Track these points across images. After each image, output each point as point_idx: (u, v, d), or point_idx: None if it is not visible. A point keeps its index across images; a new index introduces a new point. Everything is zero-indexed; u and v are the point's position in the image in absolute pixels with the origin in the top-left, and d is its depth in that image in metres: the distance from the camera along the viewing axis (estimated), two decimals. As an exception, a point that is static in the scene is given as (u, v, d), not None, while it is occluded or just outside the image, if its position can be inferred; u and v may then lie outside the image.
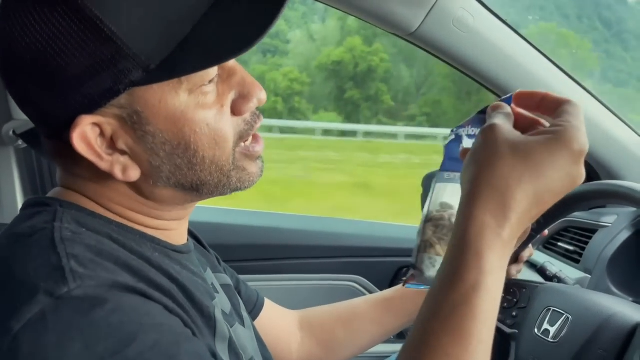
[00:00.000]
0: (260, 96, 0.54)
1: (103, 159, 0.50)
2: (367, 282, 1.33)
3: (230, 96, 0.53)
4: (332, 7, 1.06)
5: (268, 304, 0.88)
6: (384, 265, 1.34)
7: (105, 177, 0.52)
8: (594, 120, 1.16)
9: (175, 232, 0.60)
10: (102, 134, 0.49)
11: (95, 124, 0.48)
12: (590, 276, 1.01)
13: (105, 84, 0.46)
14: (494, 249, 0.43)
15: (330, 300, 1.30)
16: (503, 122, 0.47)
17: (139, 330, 0.42)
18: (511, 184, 0.43)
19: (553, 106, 0.48)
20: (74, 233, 0.48)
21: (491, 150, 0.45)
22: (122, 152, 0.50)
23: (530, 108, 0.50)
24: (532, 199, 0.43)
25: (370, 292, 1.33)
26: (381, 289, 1.33)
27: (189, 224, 0.64)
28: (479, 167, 0.45)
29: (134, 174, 0.51)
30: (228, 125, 0.53)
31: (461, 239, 0.44)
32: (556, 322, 0.72)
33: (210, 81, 0.51)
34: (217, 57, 0.48)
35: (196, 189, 0.54)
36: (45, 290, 0.42)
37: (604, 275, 0.97)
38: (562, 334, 0.70)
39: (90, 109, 0.48)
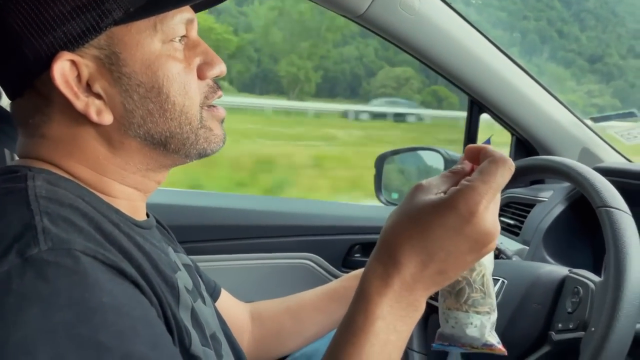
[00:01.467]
0: (221, 67, 0.60)
1: (79, 98, 0.53)
2: (321, 259, 1.36)
3: (196, 61, 0.58)
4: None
5: (224, 293, 0.89)
6: (337, 243, 1.38)
7: (74, 132, 0.54)
8: (531, 100, 1.23)
9: (137, 206, 0.61)
10: (78, 76, 0.52)
11: (74, 64, 0.52)
12: (528, 247, 1.07)
13: (89, 21, 0.51)
14: (384, 296, 0.48)
15: (285, 278, 1.34)
16: (429, 180, 0.51)
17: (99, 308, 0.42)
18: (400, 241, 0.48)
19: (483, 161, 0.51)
20: (49, 191, 0.49)
21: (400, 207, 0.50)
22: (97, 96, 0.53)
23: (474, 161, 0.53)
24: (424, 256, 0.47)
25: (325, 270, 1.37)
26: (335, 266, 1.38)
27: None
28: (389, 220, 0.51)
29: (108, 117, 0.54)
30: (195, 82, 0.58)
31: (360, 284, 0.50)
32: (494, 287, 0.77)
33: (180, 40, 0.56)
34: None
35: (164, 143, 0.57)
36: (17, 250, 0.43)
37: (540, 246, 1.04)
38: (499, 297, 0.76)
39: (71, 46, 0.52)
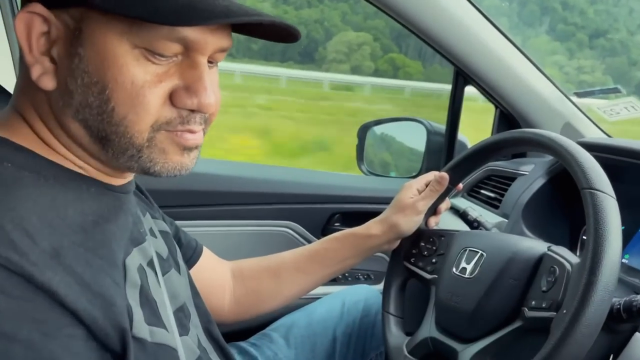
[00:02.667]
0: (203, 101, 0.53)
1: (31, 52, 0.50)
2: (301, 227, 1.36)
3: (175, 81, 0.52)
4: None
5: (205, 252, 0.89)
6: (316, 212, 1.37)
7: (29, 85, 0.52)
8: (518, 73, 1.22)
9: (110, 171, 0.58)
10: (47, 34, 0.50)
11: (46, 21, 0.50)
12: (507, 220, 1.08)
13: None
14: None
15: (264, 246, 1.33)
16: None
17: None
18: None
19: None
20: None
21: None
22: (52, 60, 0.51)
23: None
24: None
25: (304, 238, 1.37)
26: (314, 235, 1.37)
27: None
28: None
29: (48, 82, 0.51)
30: (154, 100, 0.51)
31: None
32: (472, 260, 0.77)
33: (166, 57, 0.51)
34: (147, 10, 0.47)
35: (101, 142, 0.53)
36: None
37: (519, 219, 1.05)
38: (477, 270, 0.76)
39: (51, 3, 0.50)
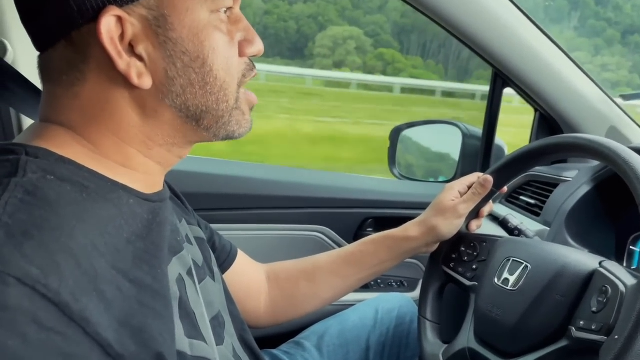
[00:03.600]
0: (260, 46, 0.58)
1: (122, 58, 0.49)
2: (333, 232, 1.34)
3: (238, 36, 0.56)
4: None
5: (240, 255, 0.88)
6: (349, 216, 1.35)
7: (109, 95, 0.51)
8: (559, 74, 1.17)
9: (155, 181, 0.58)
10: (122, 35, 0.49)
11: (120, 21, 0.49)
12: (549, 229, 1.04)
13: None
14: None
15: (296, 250, 1.31)
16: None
17: None
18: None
19: None
20: (25, 196, 0.44)
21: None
22: (139, 58, 0.50)
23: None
24: None
25: (335, 243, 1.35)
26: (346, 240, 1.35)
27: None
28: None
29: (148, 81, 0.51)
30: (236, 57, 0.56)
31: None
32: (515, 271, 0.74)
33: (225, 12, 0.54)
34: None
35: (197, 118, 0.55)
36: None
37: (562, 228, 1.00)
38: (521, 282, 0.72)
39: (121, 2, 0.48)
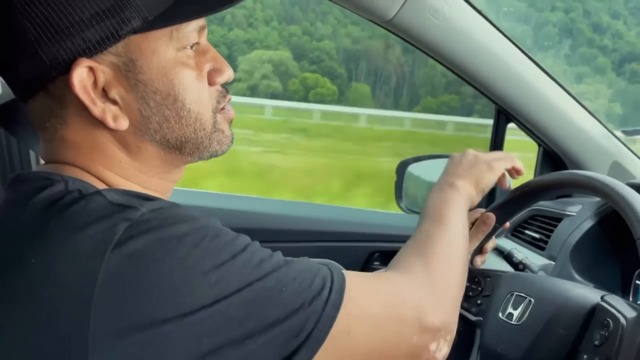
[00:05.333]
0: (230, 73, 0.60)
1: (96, 105, 0.52)
2: (339, 266, 1.34)
3: (206, 67, 0.58)
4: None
5: None
6: (356, 250, 1.36)
7: (92, 136, 0.54)
8: (561, 110, 1.19)
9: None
10: (95, 82, 0.52)
11: (91, 70, 0.51)
12: (554, 263, 1.04)
13: (108, 29, 0.51)
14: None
15: (302, 284, 1.31)
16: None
17: None
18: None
19: None
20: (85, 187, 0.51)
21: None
22: (113, 102, 0.53)
23: None
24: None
25: (342, 277, 1.35)
26: (353, 274, 1.35)
27: None
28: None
29: (124, 123, 0.54)
30: (206, 89, 0.58)
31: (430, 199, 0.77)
32: (519, 306, 0.75)
33: (192, 47, 0.56)
34: (208, 8, 0.54)
35: (179, 147, 0.57)
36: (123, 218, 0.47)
37: (567, 262, 1.01)
38: (524, 317, 0.73)
39: (90, 53, 0.51)
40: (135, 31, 0.52)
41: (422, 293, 0.59)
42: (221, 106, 0.60)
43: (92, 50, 0.51)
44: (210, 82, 0.59)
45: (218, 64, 0.59)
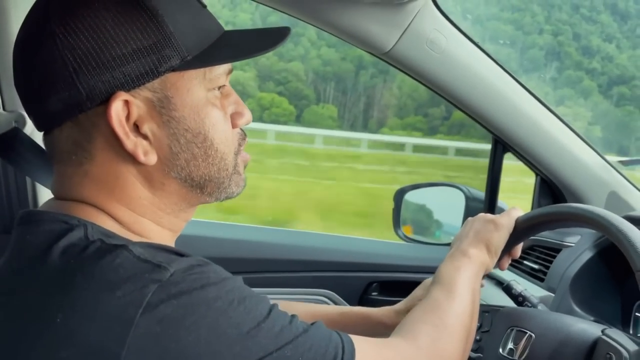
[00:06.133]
0: (249, 117, 0.62)
1: (129, 138, 0.53)
2: (337, 296, 1.33)
3: (229, 109, 0.60)
4: (311, 24, 1.07)
5: None
6: (354, 280, 1.35)
7: (117, 171, 0.55)
8: (558, 140, 1.20)
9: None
10: (127, 117, 0.53)
11: (126, 104, 0.52)
12: (554, 295, 1.03)
13: (148, 65, 0.52)
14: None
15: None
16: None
17: None
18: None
19: None
20: (103, 234, 0.52)
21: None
22: (144, 137, 0.54)
23: None
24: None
25: (340, 307, 1.34)
26: (351, 304, 1.35)
27: None
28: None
29: (153, 158, 0.54)
30: (231, 130, 0.60)
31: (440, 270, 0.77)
32: (520, 341, 0.74)
33: (219, 89, 0.59)
34: (243, 53, 0.57)
35: (201, 186, 0.58)
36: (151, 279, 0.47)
37: (567, 294, 1.00)
38: (526, 352, 0.72)
39: (127, 87, 0.52)
40: (173, 69, 0.54)
41: None
42: (241, 149, 0.62)
43: (130, 84, 0.52)
44: (233, 125, 0.60)
45: (240, 108, 0.61)
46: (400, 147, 10.74)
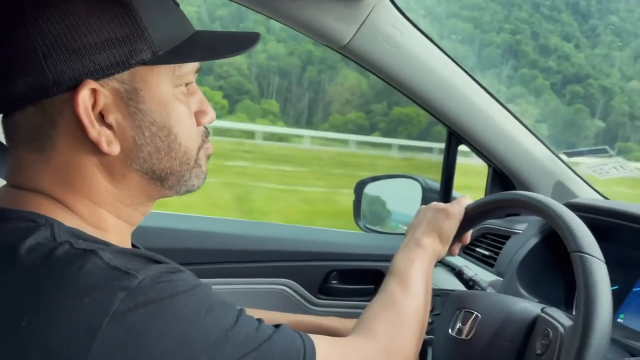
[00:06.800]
0: (213, 115, 0.64)
1: (94, 127, 0.53)
2: (298, 285, 1.36)
3: (194, 107, 0.62)
4: (269, 17, 1.08)
5: None
6: (314, 269, 1.37)
7: (78, 160, 0.55)
8: (508, 133, 1.26)
9: (123, 238, 0.61)
10: (93, 105, 0.53)
11: (93, 93, 0.52)
12: (502, 279, 1.09)
13: (119, 56, 0.53)
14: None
15: (261, 304, 1.33)
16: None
17: None
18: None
19: None
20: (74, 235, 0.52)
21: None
22: (108, 126, 0.54)
23: None
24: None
25: (301, 296, 1.37)
26: (311, 293, 1.37)
27: None
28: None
29: (116, 148, 0.55)
30: (195, 127, 0.61)
31: (395, 260, 0.81)
32: (467, 321, 0.78)
33: (186, 85, 0.60)
34: (214, 53, 0.58)
35: (162, 179, 0.59)
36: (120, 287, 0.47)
37: (514, 278, 1.05)
38: (472, 331, 0.76)
39: (96, 76, 0.52)
40: (144, 62, 0.54)
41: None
42: (205, 144, 0.63)
43: (99, 73, 0.52)
44: (197, 122, 0.61)
45: (204, 106, 0.62)
46: (344, 143, 10.81)
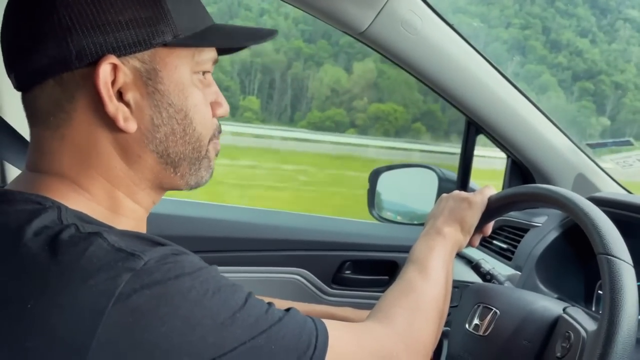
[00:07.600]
0: (227, 109, 0.64)
1: (112, 101, 0.53)
2: (311, 275, 1.35)
3: (209, 98, 0.62)
4: (287, 2, 1.06)
5: None
6: (327, 259, 1.36)
7: (95, 137, 0.55)
8: (529, 123, 1.22)
9: (140, 224, 0.61)
10: (113, 82, 0.53)
11: (114, 69, 0.53)
12: (520, 273, 1.06)
13: (142, 36, 0.54)
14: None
15: (274, 292, 1.32)
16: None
17: None
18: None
19: None
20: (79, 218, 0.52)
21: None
22: (126, 104, 0.54)
23: None
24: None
25: (314, 285, 1.36)
26: (325, 282, 1.37)
27: None
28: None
29: (133, 125, 0.55)
30: (210, 116, 0.61)
31: (415, 247, 0.79)
32: (485, 317, 0.76)
33: (203, 74, 0.60)
34: (234, 41, 0.61)
35: (175, 165, 0.59)
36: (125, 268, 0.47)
37: (533, 273, 1.03)
38: (490, 328, 0.74)
39: (118, 53, 0.53)
40: (165, 44, 0.55)
41: (401, 346, 0.63)
42: (216, 137, 0.63)
43: (121, 50, 0.53)
44: (212, 113, 0.62)
45: (220, 99, 0.63)
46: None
